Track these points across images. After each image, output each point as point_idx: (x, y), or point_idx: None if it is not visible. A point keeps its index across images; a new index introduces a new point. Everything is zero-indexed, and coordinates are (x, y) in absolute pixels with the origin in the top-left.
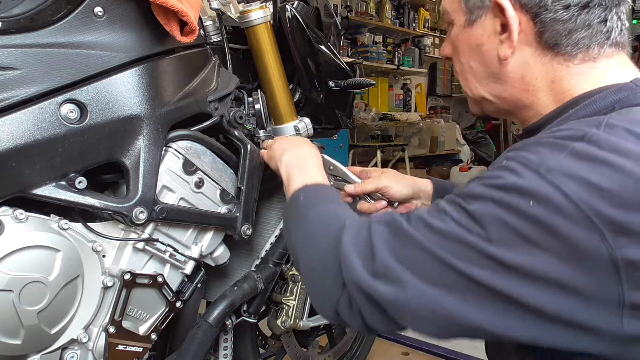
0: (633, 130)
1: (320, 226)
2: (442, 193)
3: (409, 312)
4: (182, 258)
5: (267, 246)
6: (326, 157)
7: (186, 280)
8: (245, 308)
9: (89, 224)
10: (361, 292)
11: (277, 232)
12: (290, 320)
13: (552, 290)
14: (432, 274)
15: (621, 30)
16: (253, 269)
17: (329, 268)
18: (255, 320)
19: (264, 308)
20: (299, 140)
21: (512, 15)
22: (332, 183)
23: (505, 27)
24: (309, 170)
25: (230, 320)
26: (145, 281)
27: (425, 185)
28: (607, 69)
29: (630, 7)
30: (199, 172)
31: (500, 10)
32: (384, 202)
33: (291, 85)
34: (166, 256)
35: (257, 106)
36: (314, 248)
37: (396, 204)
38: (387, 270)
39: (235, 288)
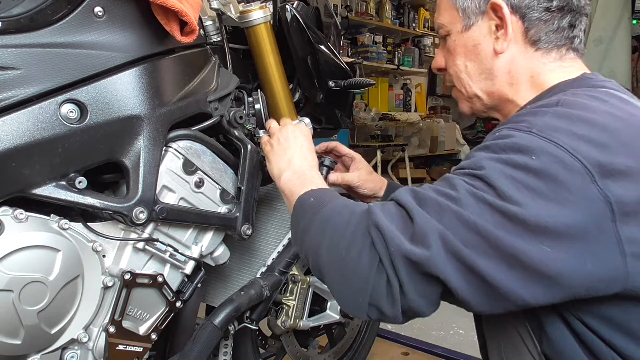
0: (593, 97)
1: (342, 215)
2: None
3: (445, 270)
4: (182, 258)
5: (274, 254)
6: None
7: (186, 280)
8: (247, 314)
9: (89, 223)
10: (405, 259)
11: (285, 240)
12: (290, 320)
13: (557, 240)
14: (465, 238)
15: (581, 40)
16: (259, 276)
17: (360, 250)
18: (257, 328)
19: None
20: (295, 145)
21: (508, 13)
22: None
23: (498, 27)
24: (308, 181)
25: (232, 326)
26: (145, 281)
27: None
28: (572, 69)
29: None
30: (199, 172)
31: (495, 12)
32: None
33: (291, 85)
34: (166, 256)
35: (257, 106)
36: (338, 237)
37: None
38: (426, 232)
39: (242, 293)
